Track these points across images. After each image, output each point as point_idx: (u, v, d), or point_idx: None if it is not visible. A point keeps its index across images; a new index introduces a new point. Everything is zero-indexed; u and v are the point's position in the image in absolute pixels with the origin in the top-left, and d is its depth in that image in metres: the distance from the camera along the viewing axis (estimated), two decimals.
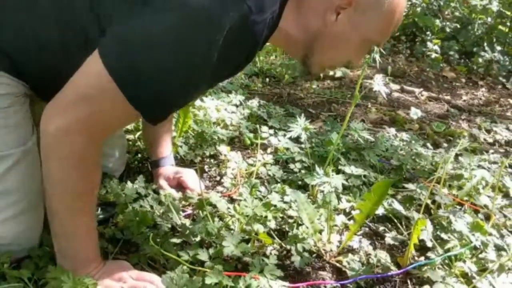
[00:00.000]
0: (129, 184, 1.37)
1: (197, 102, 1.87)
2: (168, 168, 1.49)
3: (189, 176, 1.47)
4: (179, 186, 1.45)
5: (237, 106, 2.07)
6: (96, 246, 1.08)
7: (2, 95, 1.03)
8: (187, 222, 1.28)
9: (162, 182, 1.46)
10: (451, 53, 3.24)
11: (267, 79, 2.67)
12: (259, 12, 0.95)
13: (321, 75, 2.76)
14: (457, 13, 3.50)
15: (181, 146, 1.67)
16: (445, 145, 2.06)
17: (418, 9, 3.47)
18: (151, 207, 1.31)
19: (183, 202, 1.40)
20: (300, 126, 1.56)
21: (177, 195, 1.40)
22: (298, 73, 1.21)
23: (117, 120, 1.01)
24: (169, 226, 1.26)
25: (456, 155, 1.79)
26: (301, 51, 1.16)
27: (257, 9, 0.94)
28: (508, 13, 3.38)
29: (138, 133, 1.70)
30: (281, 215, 1.35)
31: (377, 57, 1.44)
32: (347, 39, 1.11)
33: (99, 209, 1.29)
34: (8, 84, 1.04)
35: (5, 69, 1.02)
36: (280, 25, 1.08)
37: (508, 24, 3.39)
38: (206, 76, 0.99)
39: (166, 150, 1.51)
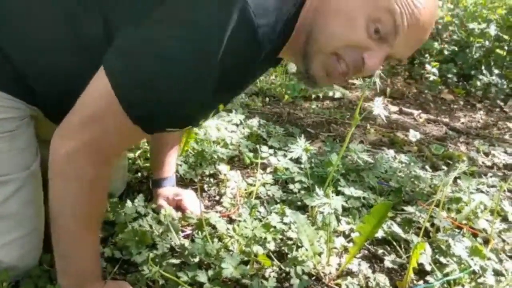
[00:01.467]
0: (128, 203, 1.36)
1: None
2: (169, 188, 1.49)
3: (189, 198, 1.47)
4: (178, 208, 1.45)
5: (237, 125, 2.08)
6: (99, 266, 1.07)
7: (9, 118, 1.03)
8: (186, 242, 1.28)
9: (162, 202, 1.46)
10: (449, 75, 3.27)
11: (267, 99, 2.69)
12: (262, 16, 0.89)
13: (320, 95, 2.77)
14: (455, 36, 3.54)
15: (180, 165, 1.67)
16: (444, 167, 2.07)
17: None
18: (150, 226, 1.30)
19: (182, 222, 1.40)
20: (300, 147, 1.56)
21: (177, 214, 1.40)
22: (297, 78, 0.98)
23: (126, 139, 1.00)
24: (168, 246, 1.25)
25: (455, 178, 1.80)
26: (304, 36, 0.99)
27: (260, 12, 0.88)
28: (506, 37, 3.42)
29: (139, 152, 1.70)
30: (280, 237, 1.35)
31: (377, 80, 1.45)
32: (352, 5, 0.94)
33: None
34: (15, 107, 1.04)
35: (13, 93, 1.02)
36: (294, 33, 1.00)
37: (506, 47, 3.43)
38: (211, 89, 0.94)
39: (169, 170, 1.51)
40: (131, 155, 1.72)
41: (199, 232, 1.30)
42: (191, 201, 1.48)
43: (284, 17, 0.95)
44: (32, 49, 1.01)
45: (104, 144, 0.95)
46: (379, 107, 1.45)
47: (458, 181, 1.85)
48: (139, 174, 1.65)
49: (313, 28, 0.97)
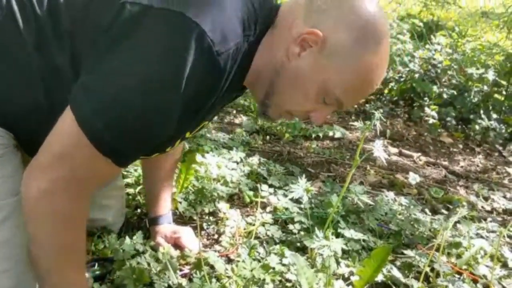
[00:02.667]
0: (127, 239, 1.36)
1: (199, 158, 1.88)
2: (166, 226, 1.49)
3: (187, 236, 1.46)
4: (176, 246, 1.44)
5: (237, 163, 2.09)
6: None
7: None
8: (184, 281, 1.27)
9: (160, 239, 1.45)
10: (448, 119, 3.30)
11: (268, 137, 2.70)
12: (221, 43, 0.91)
13: (320, 135, 2.80)
14: (454, 81, 3.59)
15: (180, 202, 1.67)
16: (443, 211, 2.06)
17: (416, 75, 3.57)
18: (148, 264, 1.29)
19: (181, 261, 1.39)
20: (301, 187, 1.56)
21: (175, 253, 1.39)
22: (256, 113, 1.10)
23: (97, 174, 0.98)
24: (166, 285, 1.24)
25: (454, 222, 1.79)
26: (264, 89, 1.08)
27: (218, 39, 0.90)
28: (504, 82, 3.47)
29: (139, 188, 1.70)
30: (279, 278, 1.34)
31: (378, 123, 1.47)
32: (307, 81, 1.02)
33: (96, 264, 1.28)
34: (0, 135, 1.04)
35: None
36: (253, 65, 1.06)
37: (504, 92, 3.48)
38: (175, 119, 0.96)
39: (164, 208, 1.51)
40: (131, 190, 1.72)
41: (197, 272, 1.29)
42: (189, 238, 1.47)
43: (244, 45, 0.98)
44: (6, 85, 1.01)
45: (76, 180, 0.94)
46: (379, 150, 1.46)
47: (458, 225, 1.84)
48: (139, 210, 1.65)
49: (273, 86, 1.06)
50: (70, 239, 0.99)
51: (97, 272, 1.26)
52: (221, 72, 0.94)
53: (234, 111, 2.99)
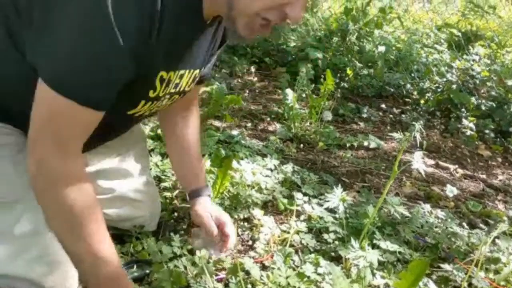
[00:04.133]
0: (165, 242, 1.38)
1: (234, 165, 1.90)
2: (208, 203, 1.50)
3: (231, 226, 1.47)
4: (221, 232, 1.45)
5: (271, 170, 2.10)
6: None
7: (9, 144, 1.11)
8: (220, 286, 1.28)
9: (203, 213, 1.46)
10: (487, 131, 3.23)
11: (301, 145, 2.70)
12: None
13: (355, 144, 2.78)
14: (493, 92, 3.51)
15: None
16: (481, 225, 2.02)
17: (454, 86, 3.50)
18: (185, 267, 1.31)
19: (217, 265, 1.40)
20: (337, 196, 1.56)
21: (211, 256, 1.41)
22: (228, 40, 1.04)
23: (80, 126, 1.02)
24: None
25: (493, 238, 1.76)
26: (224, 2, 1.02)
27: None
28: None
29: (176, 192, 1.73)
30: (314, 287, 1.34)
31: (418, 135, 1.46)
32: None
33: (135, 266, 1.31)
34: (7, 134, 1.12)
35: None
36: None
37: None
38: (127, 53, 0.96)
39: (202, 181, 1.53)
40: (168, 194, 1.75)
41: (233, 277, 1.30)
42: (232, 229, 1.48)
43: None
44: None
45: (62, 139, 0.99)
46: (419, 161, 1.44)
47: (497, 240, 1.80)
48: (176, 214, 1.67)
49: None
50: (78, 203, 1.00)
51: (135, 274, 1.29)
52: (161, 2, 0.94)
53: (268, 118, 3.01)
